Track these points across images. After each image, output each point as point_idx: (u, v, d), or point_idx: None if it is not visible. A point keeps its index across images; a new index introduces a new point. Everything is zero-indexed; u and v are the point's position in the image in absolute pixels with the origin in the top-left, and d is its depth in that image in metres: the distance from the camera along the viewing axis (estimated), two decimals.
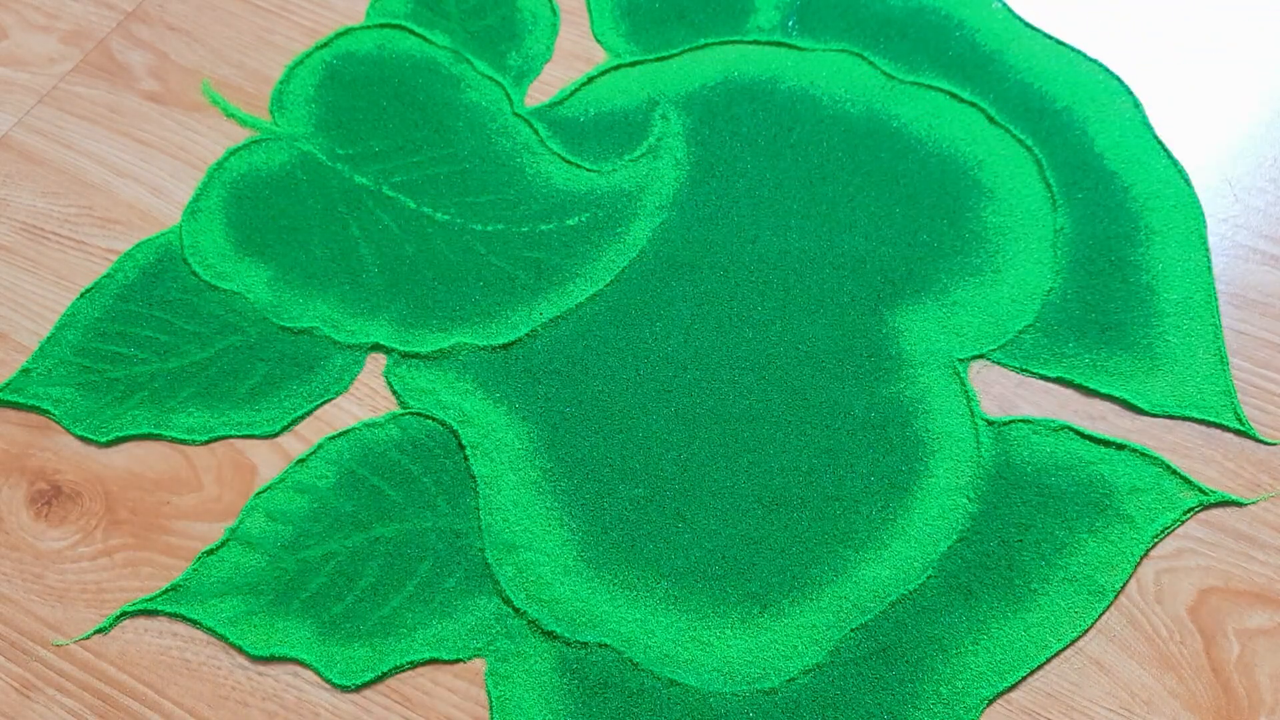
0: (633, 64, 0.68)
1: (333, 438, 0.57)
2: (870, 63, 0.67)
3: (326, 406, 0.58)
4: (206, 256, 0.62)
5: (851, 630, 0.51)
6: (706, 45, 0.69)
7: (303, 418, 0.58)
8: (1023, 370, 0.58)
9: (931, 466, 0.55)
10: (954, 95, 0.66)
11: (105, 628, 0.53)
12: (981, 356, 0.58)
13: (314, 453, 0.56)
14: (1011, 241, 0.61)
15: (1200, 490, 0.54)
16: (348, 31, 0.70)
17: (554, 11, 0.71)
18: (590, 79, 0.68)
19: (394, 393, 0.58)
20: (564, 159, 0.65)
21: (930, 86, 0.66)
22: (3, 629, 0.53)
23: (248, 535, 0.54)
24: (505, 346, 0.59)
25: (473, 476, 0.56)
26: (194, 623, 0.53)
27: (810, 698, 0.50)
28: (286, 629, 0.52)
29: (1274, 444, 0.55)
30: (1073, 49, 0.68)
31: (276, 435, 0.57)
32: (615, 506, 0.55)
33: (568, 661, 0.51)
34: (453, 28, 0.70)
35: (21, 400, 0.58)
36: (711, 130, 0.66)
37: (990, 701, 0.50)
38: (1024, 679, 0.50)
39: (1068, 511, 0.54)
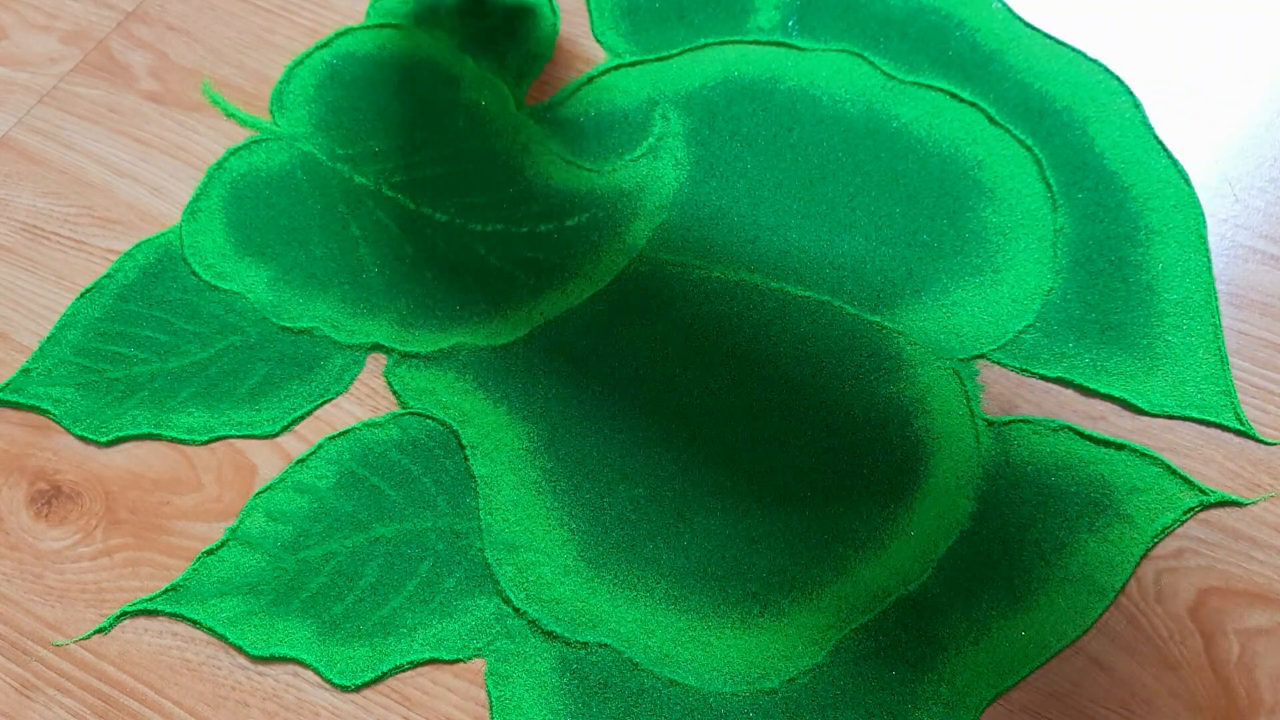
0: (633, 64, 0.68)
1: (333, 438, 0.57)
2: (870, 63, 0.67)
3: (326, 406, 0.58)
4: (206, 256, 0.62)
5: (851, 630, 0.51)
6: (706, 45, 0.69)
7: (303, 418, 0.58)
8: (1023, 370, 0.58)
9: (931, 466, 0.55)
10: (954, 95, 0.66)
11: (105, 628, 0.53)
12: (981, 356, 0.58)
13: (314, 453, 0.56)
14: (1011, 241, 0.61)
15: (1200, 490, 0.54)
16: (348, 31, 0.70)
17: (554, 11, 0.71)
18: (590, 79, 0.68)
19: (394, 393, 0.58)
20: (564, 159, 0.65)
21: (930, 86, 0.66)
22: (3, 629, 0.53)
23: (248, 535, 0.54)
24: (505, 346, 0.59)
25: (473, 476, 0.56)
26: (194, 623, 0.53)
27: (810, 698, 0.50)
28: (286, 629, 0.52)
29: (1274, 444, 0.55)
30: (1073, 49, 0.68)
31: (276, 435, 0.57)
32: (615, 506, 0.55)
33: (568, 661, 0.51)
34: (453, 27, 0.70)
35: (21, 400, 0.58)
36: (711, 130, 0.66)
37: (990, 701, 0.50)
38: (1024, 679, 0.50)
39: (1068, 511, 0.54)
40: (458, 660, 0.52)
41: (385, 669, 0.51)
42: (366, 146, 0.66)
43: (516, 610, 0.52)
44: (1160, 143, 0.64)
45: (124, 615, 0.53)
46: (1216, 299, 0.59)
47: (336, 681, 0.51)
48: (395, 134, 0.66)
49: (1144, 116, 0.65)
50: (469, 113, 0.67)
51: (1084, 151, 0.64)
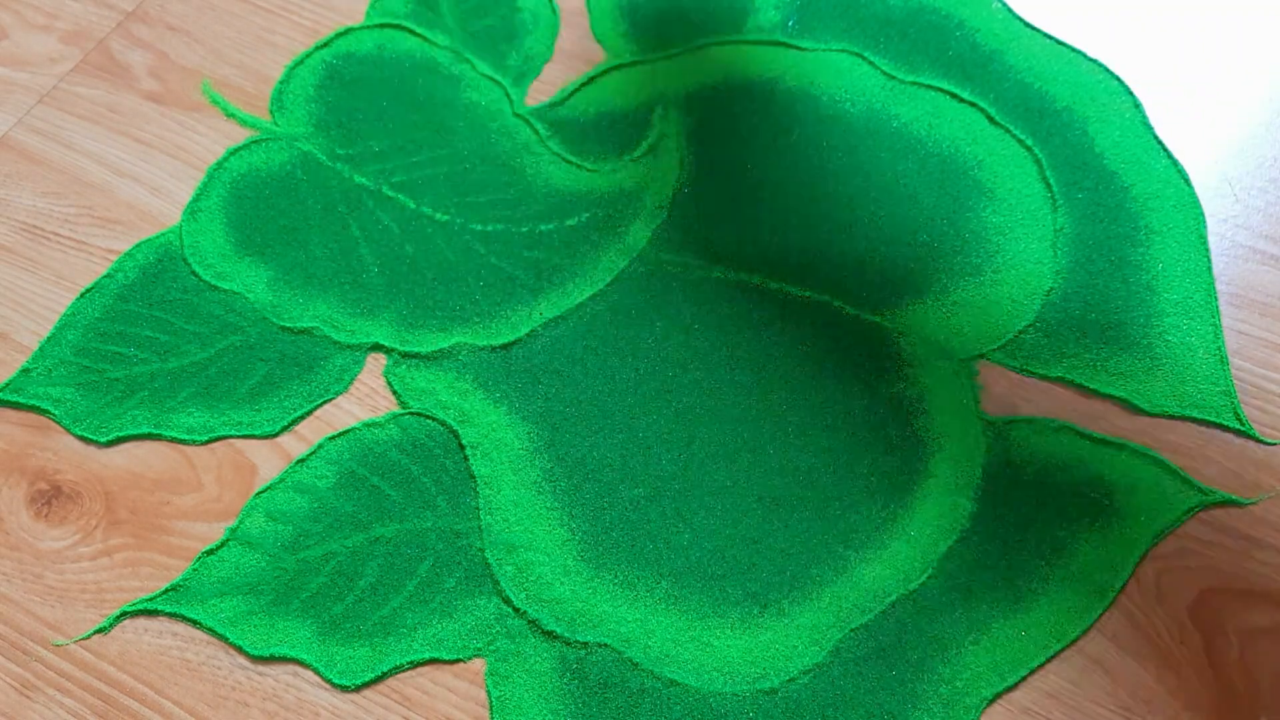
0: (633, 64, 0.68)
1: (333, 438, 0.57)
2: (870, 63, 0.67)
3: (326, 406, 0.58)
4: (206, 256, 0.62)
5: (851, 630, 0.51)
6: (706, 45, 0.69)
7: (303, 418, 0.58)
8: (1023, 370, 0.58)
9: (931, 466, 0.55)
10: (954, 95, 0.66)
11: (105, 628, 0.53)
12: (981, 356, 0.58)
13: (314, 453, 0.56)
14: (1011, 241, 0.61)
15: (1200, 490, 0.54)
16: (348, 31, 0.70)
17: (554, 11, 0.71)
18: (590, 79, 0.68)
19: (394, 393, 0.58)
20: (564, 159, 0.65)
21: (930, 86, 0.66)
22: (3, 629, 0.53)
23: (248, 535, 0.54)
24: (505, 346, 0.59)
25: (473, 476, 0.56)
26: (194, 623, 0.53)
27: (810, 698, 0.50)
28: (286, 629, 0.52)
29: (1274, 444, 0.55)
30: (1073, 49, 0.68)
31: (276, 435, 0.57)
32: (615, 506, 0.55)
33: (568, 661, 0.51)
34: (452, 28, 0.70)
35: (21, 400, 0.58)
36: (711, 130, 0.66)
37: (990, 701, 0.50)
38: (1024, 679, 0.50)
39: (1068, 511, 0.54)
40: (458, 660, 0.52)
41: (385, 669, 0.51)
42: (366, 146, 0.66)
43: (516, 610, 0.52)
44: (1160, 143, 0.64)
45: (124, 615, 0.53)
46: (1216, 299, 0.59)
47: (336, 681, 0.51)
48: (395, 134, 0.66)
49: (1144, 116, 0.65)
50: (469, 113, 0.67)
51: (1084, 151, 0.64)
